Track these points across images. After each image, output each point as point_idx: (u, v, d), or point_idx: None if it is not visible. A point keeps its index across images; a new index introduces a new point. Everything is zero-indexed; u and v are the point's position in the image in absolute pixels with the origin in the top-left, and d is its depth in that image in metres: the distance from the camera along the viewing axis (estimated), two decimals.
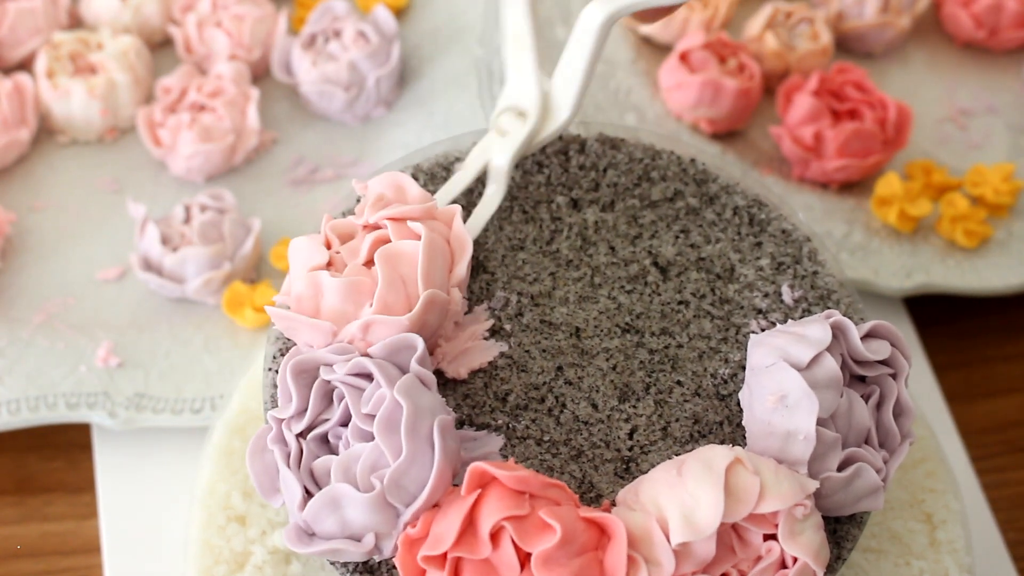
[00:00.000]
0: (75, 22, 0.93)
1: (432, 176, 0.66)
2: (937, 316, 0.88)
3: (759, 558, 0.53)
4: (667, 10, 0.60)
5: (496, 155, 0.63)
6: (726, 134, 0.90)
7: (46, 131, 0.90)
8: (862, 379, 0.58)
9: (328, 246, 0.58)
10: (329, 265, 0.57)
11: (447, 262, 0.58)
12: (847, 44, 0.96)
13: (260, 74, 0.93)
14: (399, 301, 0.56)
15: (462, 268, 0.58)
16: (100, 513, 0.76)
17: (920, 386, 0.84)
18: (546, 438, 0.59)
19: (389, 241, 0.57)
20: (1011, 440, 0.85)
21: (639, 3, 0.59)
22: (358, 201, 0.64)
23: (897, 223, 0.85)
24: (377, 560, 0.54)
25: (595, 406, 0.60)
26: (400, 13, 0.96)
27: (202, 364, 0.79)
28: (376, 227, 0.58)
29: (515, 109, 0.63)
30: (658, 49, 0.94)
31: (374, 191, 0.59)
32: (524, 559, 0.51)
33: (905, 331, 0.86)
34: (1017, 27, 0.96)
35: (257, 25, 0.90)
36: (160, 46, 0.94)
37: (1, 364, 0.78)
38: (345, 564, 0.55)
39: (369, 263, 0.57)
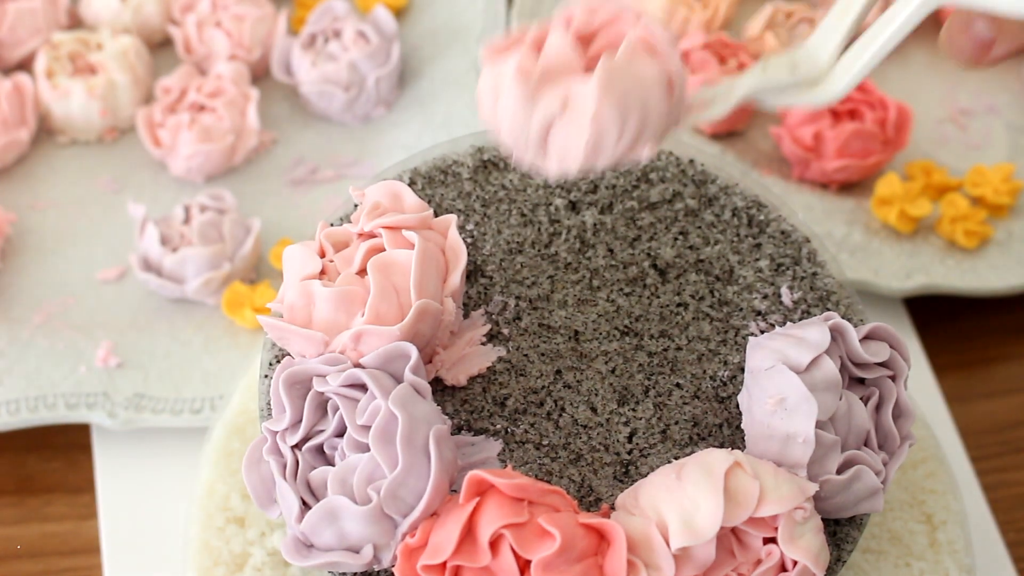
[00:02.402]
0: (75, 22, 0.93)
1: (430, 180, 0.66)
2: (937, 316, 0.88)
3: (759, 561, 0.53)
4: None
5: (743, 84, 0.57)
6: (726, 134, 0.90)
7: (46, 131, 0.90)
8: (861, 381, 0.58)
9: (322, 254, 0.58)
10: (323, 274, 0.57)
11: (441, 272, 0.57)
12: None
13: (260, 74, 0.93)
14: (391, 311, 0.56)
15: (456, 278, 0.58)
16: (100, 513, 0.76)
17: (920, 387, 0.84)
18: (545, 442, 0.59)
19: (383, 250, 0.57)
20: (1011, 440, 0.85)
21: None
22: (356, 207, 0.64)
23: (897, 223, 0.85)
24: (376, 570, 0.54)
25: (594, 409, 0.60)
26: (400, 13, 0.96)
27: (201, 364, 0.79)
28: (371, 235, 0.58)
29: (792, 60, 0.57)
30: None
31: (371, 199, 0.59)
32: (524, 566, 0.51)
33: (905, 332, 0.86)
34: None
35: (257, 25, 0.90)
36: (160, 46, 0.94)
37: (1, 364, 0.78)
38: (344, 574, 0.55)
39: (363, 272, 0.57)
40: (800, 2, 0.95)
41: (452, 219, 0.59)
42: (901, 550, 0.68)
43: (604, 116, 0.52)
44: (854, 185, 0.88)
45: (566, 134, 0.53)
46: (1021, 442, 0.85)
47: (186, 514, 0.69)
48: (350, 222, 0.60)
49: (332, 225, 0.61)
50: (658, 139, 0.54)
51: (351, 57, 0.88)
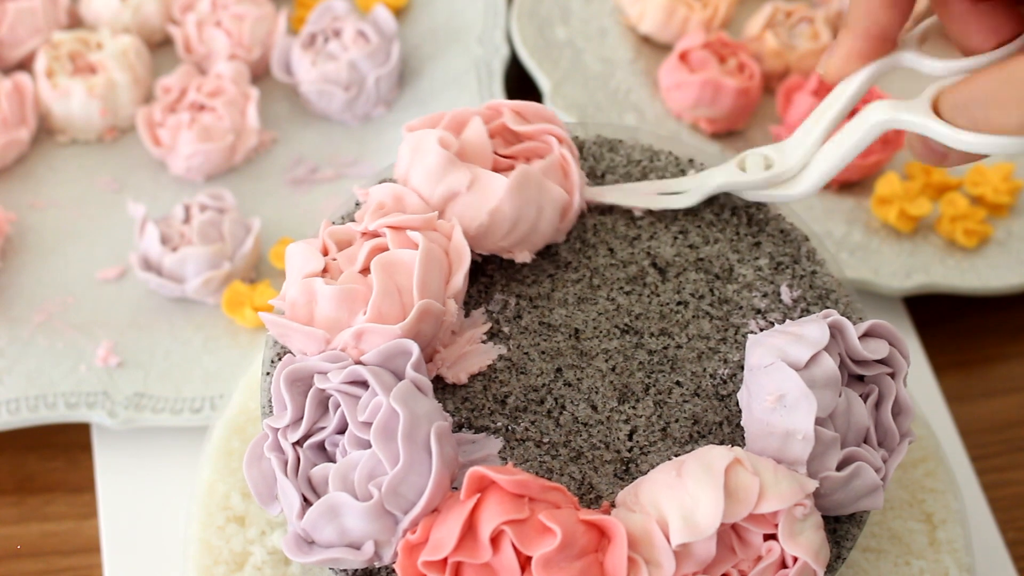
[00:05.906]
0: (75, 22, 0.93)
1: None
2: (937, 316, 0.88)
3: (759, 558, 0.53)
4: (963, 157, 0.60)
5: (715, 176, 0.65)
6: (726, 134, 0.90)
7: (46, 131, 0.90)
8: (860, 378, 0.58)
9: (325, 252, 0.58)
10: (325, 272, 0.57)
11: (444, 273, 0.57)
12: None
13: (260, 74, 0.93)
14: (394, 310, 0.56)
15: (459, 279, 0.58)
16: (100, 513, 0.76)
17: (920, 386, 0.84)
18: (545, 440, 0.59)
19: (387, 249, 0.57)
20: (1011, 440, 0.85)
21: (922, 126, 0.59)
22: (357, 206, 0.64)
23: (897, 223, 0.85)
24: (377, 566, 0.54)
25: (594, 407, 0.60)
26: (400, 13, 0.96)
27: (202, 364, 0.79)
28: (375, 235, 0.58)
29: (766, 157, 0.64)
30: (658, 49, 0.94)
31: (375, 199, 0.59)
32: (524, 562, 0.51)
33: (905, 331, 0.86)
34: None
35: (257, 25, 0.90)
36: (160, 46, 0.94)
37: (1, 364, 0.78)
38: (345, 571, 0.55)
39: (365, 271, 0.57)
40: (800, 1, 0.95)
41: (456, 221, 0.59)
42: (901, 549, 0.68)
43: (503, 212, 0.59)
44: (854, 184, 0.88)
45: (463, 211, 0.60)
46: (1021, 441, 0.85)
47: (186, 513, 0.69)
48: (353, 221, 0.60)
49: (335, 223, 0.61)
50: (535, 250, 0.63)
51: (351, 57, 0.88)
